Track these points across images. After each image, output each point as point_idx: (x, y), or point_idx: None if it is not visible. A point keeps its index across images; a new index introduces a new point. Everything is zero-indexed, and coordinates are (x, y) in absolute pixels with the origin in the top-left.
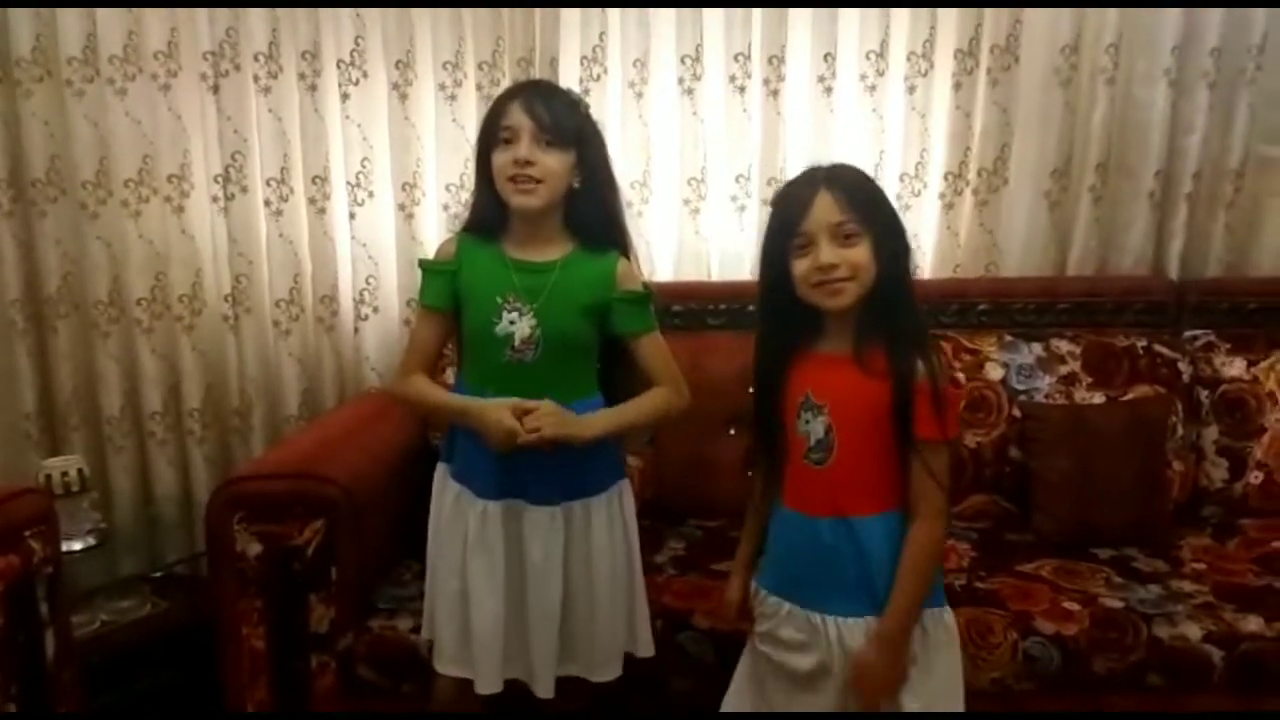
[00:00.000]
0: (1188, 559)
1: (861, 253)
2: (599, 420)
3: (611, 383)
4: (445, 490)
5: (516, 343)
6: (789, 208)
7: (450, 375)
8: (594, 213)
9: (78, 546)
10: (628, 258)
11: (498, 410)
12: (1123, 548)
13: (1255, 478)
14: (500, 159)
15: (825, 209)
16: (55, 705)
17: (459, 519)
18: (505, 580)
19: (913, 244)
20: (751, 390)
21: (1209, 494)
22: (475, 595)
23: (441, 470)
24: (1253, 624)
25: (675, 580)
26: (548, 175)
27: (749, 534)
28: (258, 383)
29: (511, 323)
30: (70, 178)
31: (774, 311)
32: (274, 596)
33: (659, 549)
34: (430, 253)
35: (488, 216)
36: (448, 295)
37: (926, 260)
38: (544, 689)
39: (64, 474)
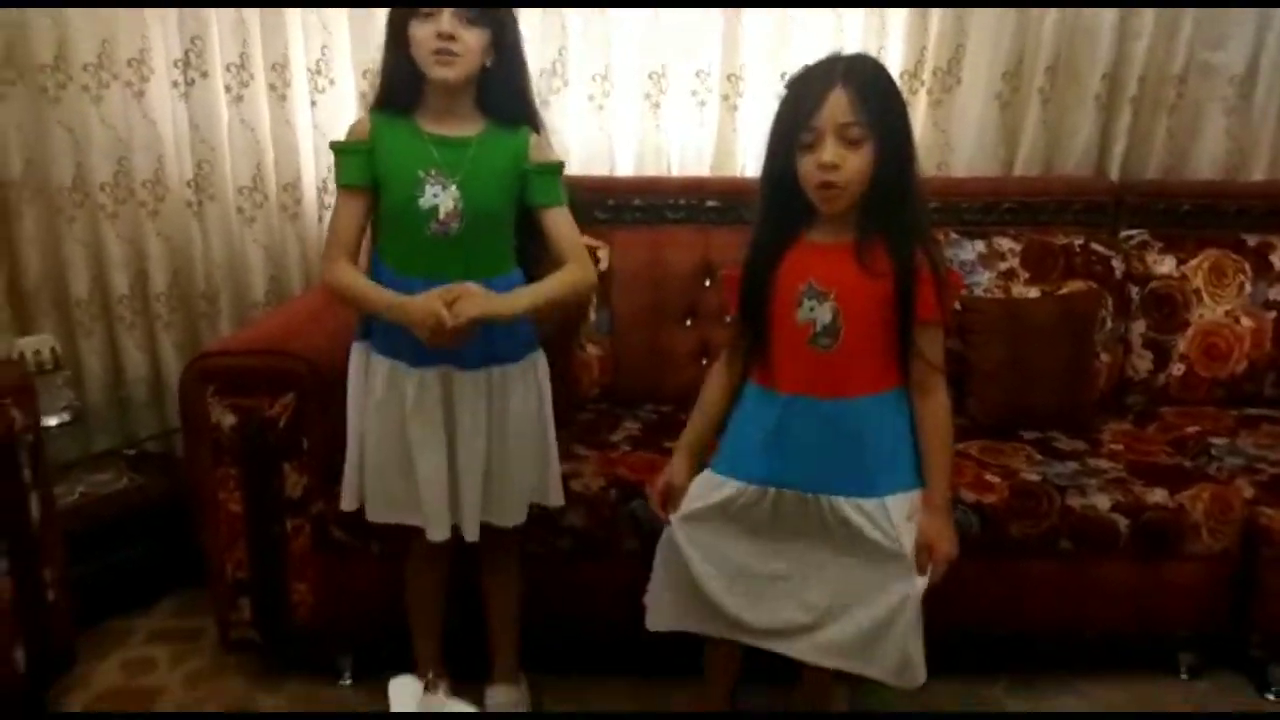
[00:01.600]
0: (1107, 441)
1: (862, 158)
2: (522, 298)
3: (527, 258)
4: (370, 367)
5: (441, 215)
6: (803, 100)
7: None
8: (507, 90)
9: (53, 422)
10: (538, 133)
11: (426, 300)
12: (1048, 431)
13: (1177, 369)
14: (421, 31)
15: (837, 107)
16: (41, 566)
17: (393, 391)
18: (444, 440)
19: None
20: (738, 276)
21: (1133, 384)
22: (419, 456)
23: (360, 350)
24: (1157, 495)
25: (629, 456)
26: (466, 51)
27: (707, 422)
28: (223, 269)
29: (435, 196)
30: (28, 62)
31: (775, 198)
32: (249, 465)
33: (615, 429)
34: None
35: (401, 91)
36: (366, 173)
37: None
38: (471, 533)
39: (36, 352)
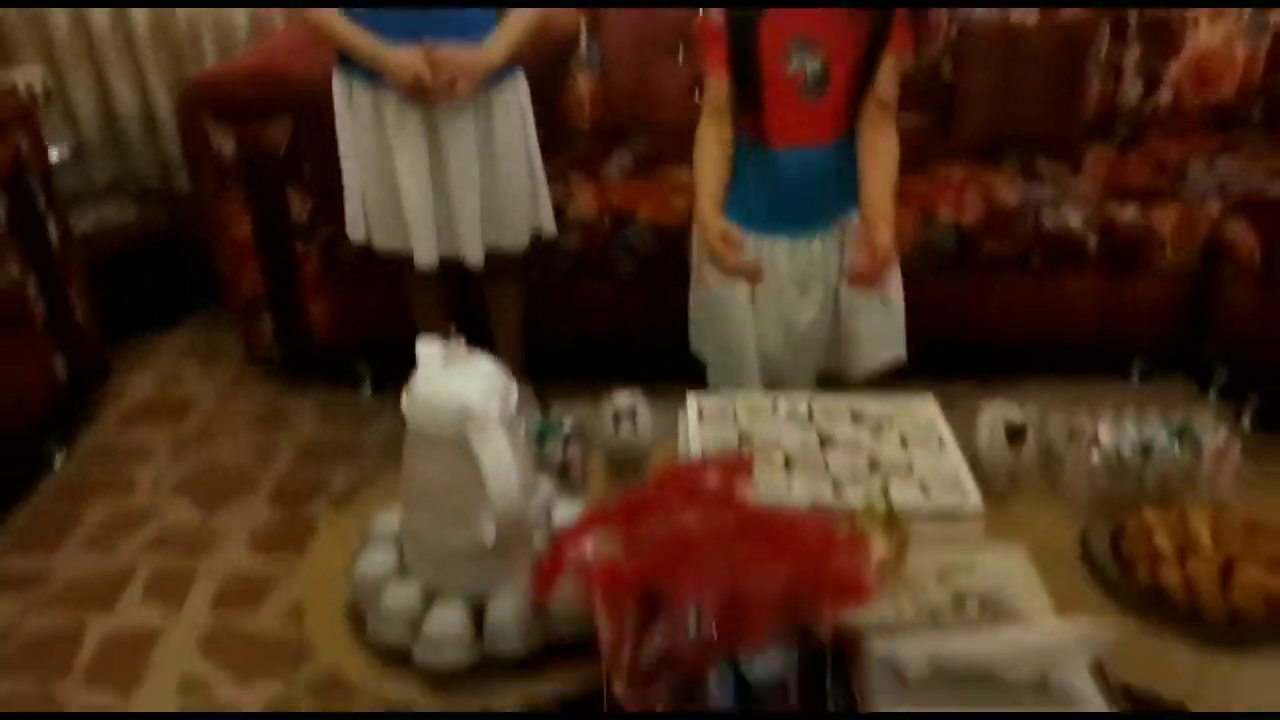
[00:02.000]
0: (1089, 164)
1: None
2: (498, 48)
3: None
4: (353, 93)
5: None
6: None
7: None
8: None
9: (54, 157)
10: None
11: (410, 57)
12: (1033, 155)
13: (1166, 96)
14: None
15: None
16: (65, 287)
17: (378, 115)
18: (428, 165)
19: None
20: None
21: (1123, 110)
22: (404, 180)
23: (342, 77)
24: (1129, 213)
25: (622, 185)
26: None
27: (720, 179)
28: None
29: None
30: None
31: None
32: (253, 190)
33: (607, 160)
34: None
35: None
36: None
37: None
38: (474, 257)
39: (29, 85)
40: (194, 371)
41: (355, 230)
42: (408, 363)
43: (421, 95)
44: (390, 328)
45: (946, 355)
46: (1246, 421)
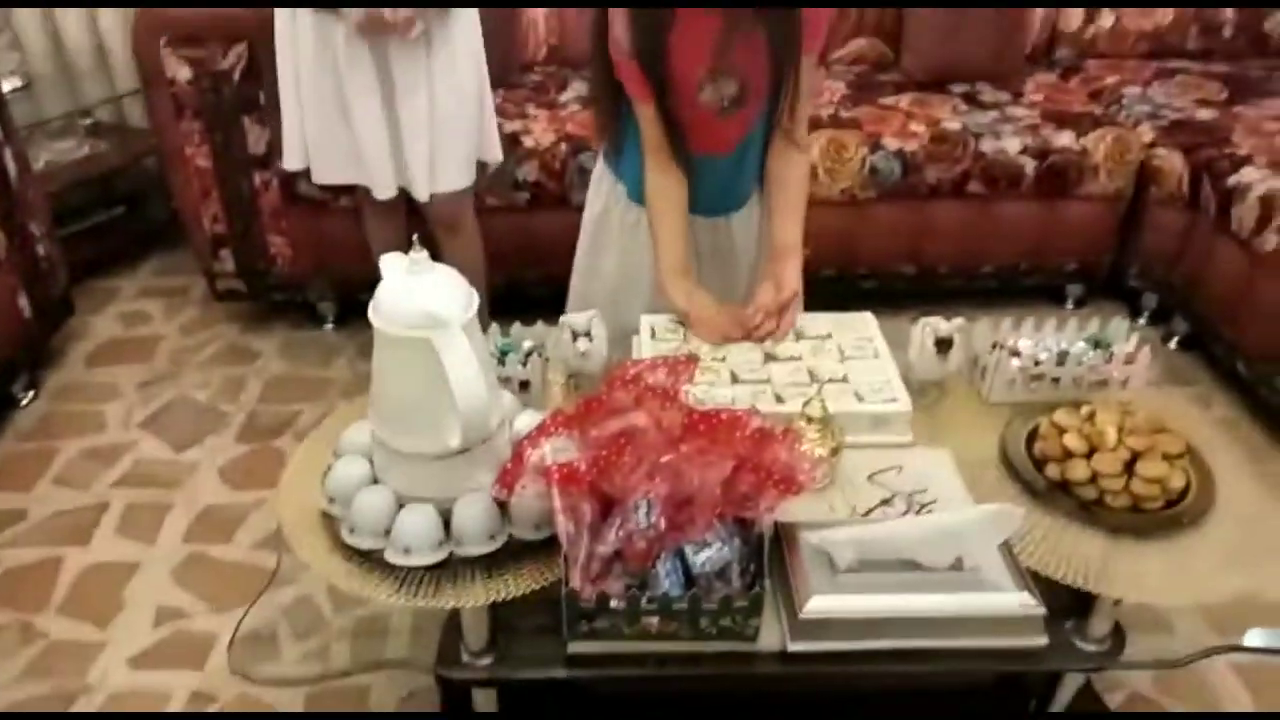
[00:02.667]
0: (1029, 92)
1: None
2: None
3: None
4: (297, 22)
5: None
6: None
7: None
8: None
9: (5, 87)
10: None
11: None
12: (977, 84)
13: (1107, 21)
14: None
15: None
16: (26, 219)
17: (324, 47)
18: (380, 96)
19: None
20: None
21: (1064, 36)
22: (357, 110)
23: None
24: (1064, 139)
25: (577, 114)
26: None
27: (678, 229)
28: None
29: None
30: None
31: None
32: (210, 119)
33: (563, 89)
34: None
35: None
36: None
37: None
38: (422, 193)
39: None
40: (158, 310)
41: (292, 159)
42: (369, 296)
43: (378, 30)
44: (351, 260)
45: (890, 278)
46: (1174, 344)
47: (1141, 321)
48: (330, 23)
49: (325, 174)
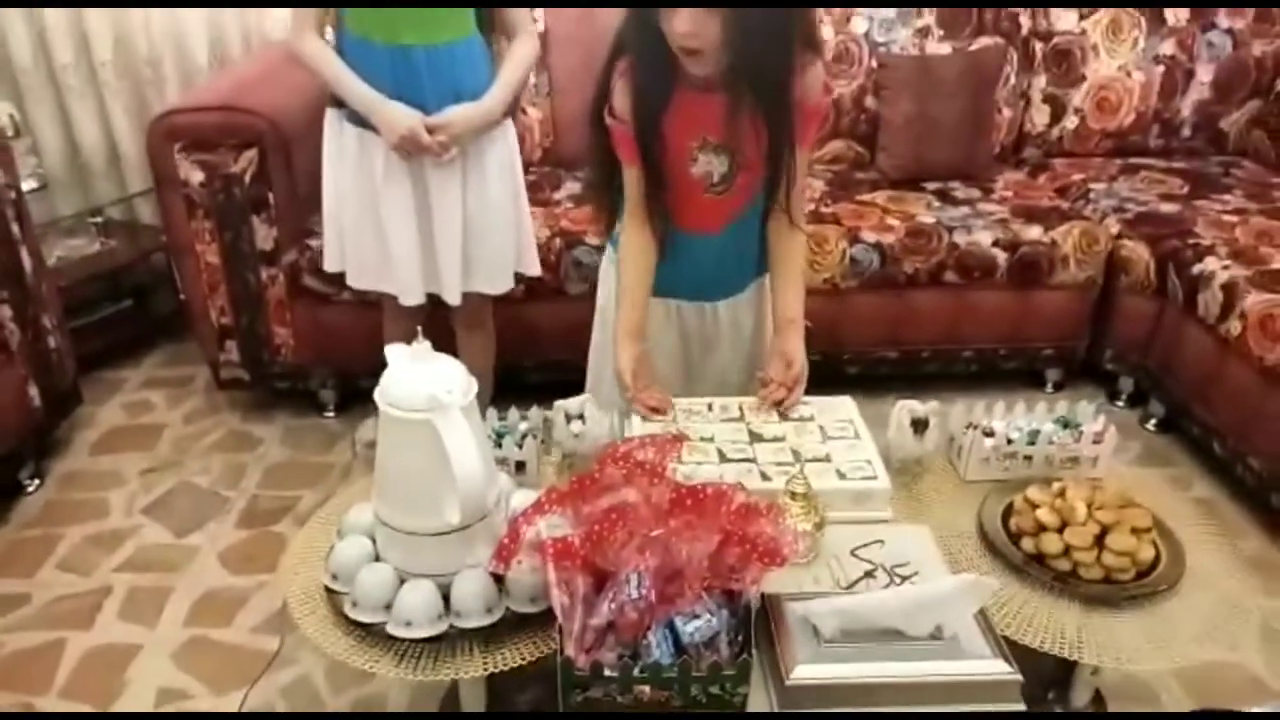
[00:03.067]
0: (1000, 189)
1: (719, 18)
2: (496, 101)
3: (482, 21)
4: (343, 135)
5: None
6: None
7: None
8: None
9: (24, 188)
10: None
11: (405, 113)
12: (949, 182)
13: (1072, 122)
14: None
15: None
16: (39, 312)
17: (365, 158)
18: (415, 209)
19: None
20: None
21: (1031, 137)
22: (391, 223)
23: (334, 115)
24: (1033, 232)
25: (571, 211)
26: None
27: (642, 297)
28: (164, 34)
29: None
30: None
31: (645, 49)
32: (221, 219)
33: (558, 188)
34: None
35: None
36: None
37: None
38: (453, 298)
39: None
40: (162, 399)
41: (332, 263)
42: (371, 386)
43: (413, 152)
44: (351, 350)
45: (874, 363)
46: (1152, 426)
47: (1120, 404)
48: (372, 137)
49: (359, 279)
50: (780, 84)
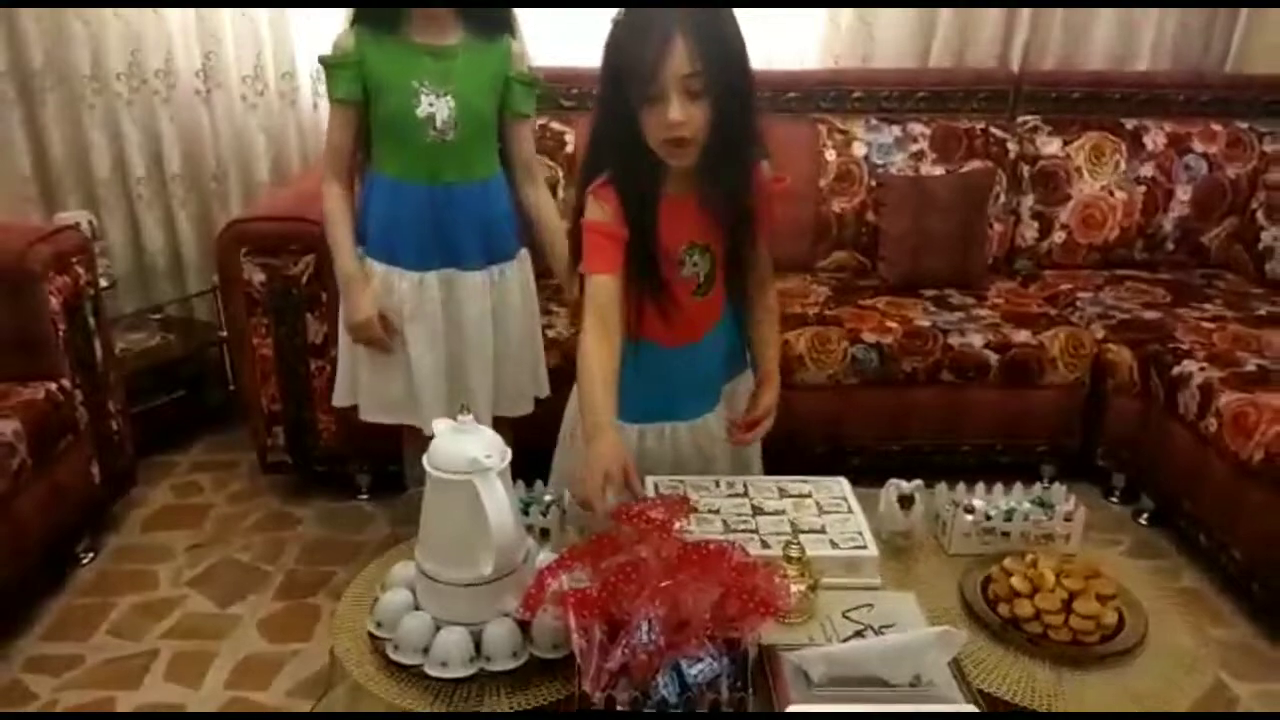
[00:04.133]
0: (992, 297)
1: (704, 109)
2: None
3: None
4: (367, 264)
5: (438, 124)
6: (641, 52)
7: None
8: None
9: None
10: (515, 38)
11: (368, 308)
12: (945, 289)
13: (1059, 237)
14: None
15: (679, 60)
16: (106, 398)
17: (389, 296)
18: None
19: (799, 35)
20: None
21: (1022, 249)
22: (418, 358)
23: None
24: (1022, 335)
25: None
26: None
27: (611, 392)
28: (230, 151)
29: (430, 105)
30: None
31: (627, 155)
32: (278, 315)
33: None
34: None
35: (386, 5)
36: (357, 86)
37: (811, 52)
38: (485, 420)
39: (76, 225)
40: (208, 482)
41: (341, 397)
42: (399, 472)
43: (362, 341)
44: (386, 439)
45: (876, 456)
46: (1144, 520)
47: (1114, 500)
48: (400, 273)
49: (374, 414)
50: (749, 168)
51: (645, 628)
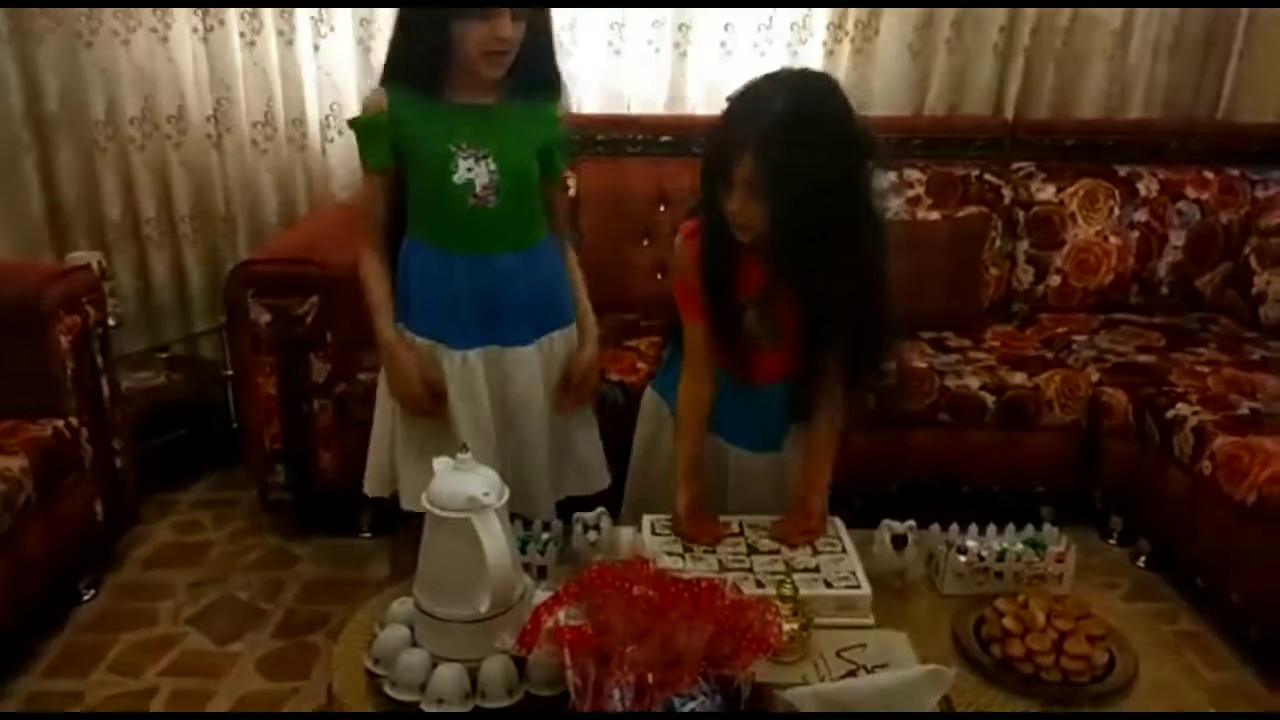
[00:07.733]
0: (989, 339)
1: (762, 207)
2: (591, 328)
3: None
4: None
5: (478, 190)
6: (730, 141)
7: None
8: (539, 59)
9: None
10: (559, 97)
11: (413, 375)
12: (942, 332)
13: (1054, 281)
14: (477, 32)
15: (748, 164)
16: (112, 435)
17: (433, 367)
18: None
19: None
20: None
21: (1018, 293)
22: (469, 440)
23: (398, 329)
24: (1018, 378)
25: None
26: (515, 46)
27: (698, 445)
28: (239, 194)
29: (469, 170)
30: (65, 11)
31: (712, 217)
32: (282, 354)
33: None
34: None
35: (422, 66)
36: (390, 153)
37: None
38: (546, 513)
39: (86, 265)
40: (209, 520)
41: (376, 487)
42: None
43: (412, 410)
44: None
45: (875, 498)
46: (1142, 563)
47: (1112, 542)
48: (443, 350)
49: (417, 503)
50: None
51: (639, 668)
